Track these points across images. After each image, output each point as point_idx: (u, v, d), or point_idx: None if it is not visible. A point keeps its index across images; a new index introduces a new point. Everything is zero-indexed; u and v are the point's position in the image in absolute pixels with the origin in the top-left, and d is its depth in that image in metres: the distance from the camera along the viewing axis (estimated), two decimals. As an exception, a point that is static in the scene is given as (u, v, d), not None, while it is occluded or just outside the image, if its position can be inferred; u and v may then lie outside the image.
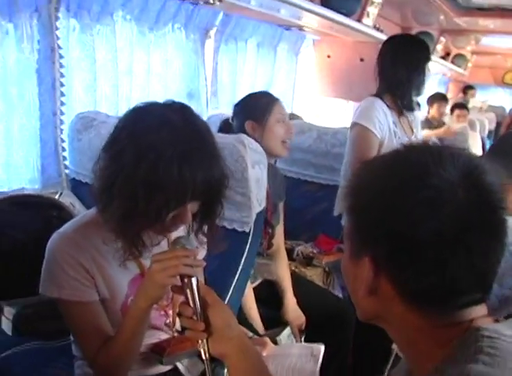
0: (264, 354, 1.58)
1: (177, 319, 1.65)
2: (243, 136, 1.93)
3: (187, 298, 1.23)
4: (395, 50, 2.80)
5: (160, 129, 1.33)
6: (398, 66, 2.74)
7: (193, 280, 1.24)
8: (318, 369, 1.53)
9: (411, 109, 2.86)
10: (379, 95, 2.80)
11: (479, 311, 0.88)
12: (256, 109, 2.39)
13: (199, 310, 1.20)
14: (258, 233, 2.01)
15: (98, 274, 1.48)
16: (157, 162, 1.31)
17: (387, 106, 2.76)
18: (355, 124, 2.74)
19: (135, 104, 1.44)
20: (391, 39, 2.97)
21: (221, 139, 1.89)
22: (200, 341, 1.19)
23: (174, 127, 1.35)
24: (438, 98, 6.41)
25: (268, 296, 2.44)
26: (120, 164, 1.34)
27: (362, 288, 0.91)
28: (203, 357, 1.20)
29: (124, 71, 2.81)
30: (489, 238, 0.86)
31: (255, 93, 2.55)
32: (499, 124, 8.13)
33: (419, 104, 3.18)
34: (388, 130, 2.73)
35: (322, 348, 1.59)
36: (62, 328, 1.55)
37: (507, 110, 9.41)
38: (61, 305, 1.47)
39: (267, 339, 1.68)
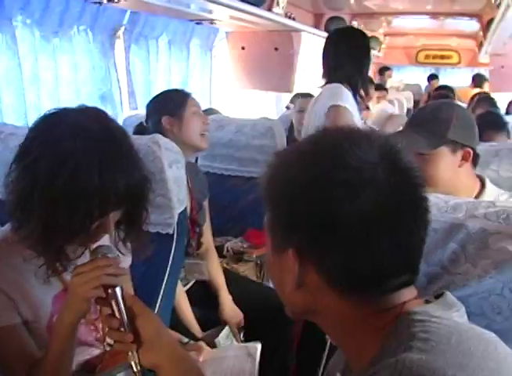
0: (200, 359, 1.54)
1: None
2: (158, 136, 1.88)
3: (113, 309, 1.17)
4: (349, 42, 3.01)
5: (76, 137, 1.27)
6: (355, 58, 2.97)
7: (117, 290, 1.18)
8: (256, 368, 1.49)
9: (361, 98, 3.07)
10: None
11: (409, 293, 0.87)
12: (170, 103, 2.36)
13: (126, 321, 1.15)
14: (183, 234, 1.96)
15: (18, 295, 1.38)
16: (76, 171, 1.24)
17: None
18: (333, 107, 2.84)
19: (46, 111, 1.36)
20: (341, 31, 3.25)
21: (135, 140, 1.81)
22: (130, 353, 1.13)
23: (90, 133, 1.29)
24: (366, 82, 6.45)
25: (203, 297, 2.40)
26: (35, 175, 1.26)
27: (289, 282, 0.88)
28: (135, 369, 1.14)
29: (29, 79, 2.68)
30: (412, 217, 0.85)
31: (166, 91, 2.54)
32: (416, 102, 8.34)
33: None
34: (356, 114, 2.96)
35: (259, 346, 1.56)
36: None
37: (423, 88, 9.70)
38: None
39: (202, 344, 1.63)
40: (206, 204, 2.53)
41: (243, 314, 2.41)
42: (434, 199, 1.07)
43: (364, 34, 3.17)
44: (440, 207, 1.08)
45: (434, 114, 1.81)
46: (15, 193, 1.31)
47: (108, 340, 1.60)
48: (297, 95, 4.08)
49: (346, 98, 2.88)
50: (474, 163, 1.80)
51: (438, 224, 1.06)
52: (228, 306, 2.42)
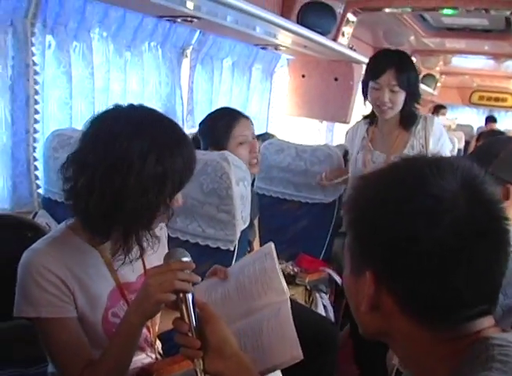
0: (222, 277, 1.55)
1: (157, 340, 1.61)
2: (227, 153, 1.91)
3: (182, 313, 1.18)
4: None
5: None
6: None
7: (189, 296, 1.19)
8: (277, 264, 1.51)
9: None
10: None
11: (486, 322, 0.86)
12: (215, 134, 2.31)
13: (194, 327, 1.16)
14: (243, 251, 1.98)
15: (77, 286, 1.40)
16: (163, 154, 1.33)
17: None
18: None
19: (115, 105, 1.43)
20: None
21: (203, 156, 1.86)
22: (195, 360, 1.14)
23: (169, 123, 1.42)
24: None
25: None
26: (129, 160, 1.31)
27: (364, 304, 0.88)
28: None
29: (100, 89, 2.76)
30: (493, 249, 0.84)
31: (215, 113, 2.46)
32: (467, 143, 8.24)
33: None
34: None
35: (272, 245, 1.57)
36: (37, 354, 1.48)
37: (475, 129, 9.57)
38: (39, 324, 1.37)
39: (217, 266, 1.63)
40: (256, 221, 2.53)
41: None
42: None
43: None
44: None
45: (487, 147, 1.87)
46: (78, 187, 1.35)
47: (158, 346, 1.62)
48: None
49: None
50: None
51: (516, 255, 1.04)
52: None
